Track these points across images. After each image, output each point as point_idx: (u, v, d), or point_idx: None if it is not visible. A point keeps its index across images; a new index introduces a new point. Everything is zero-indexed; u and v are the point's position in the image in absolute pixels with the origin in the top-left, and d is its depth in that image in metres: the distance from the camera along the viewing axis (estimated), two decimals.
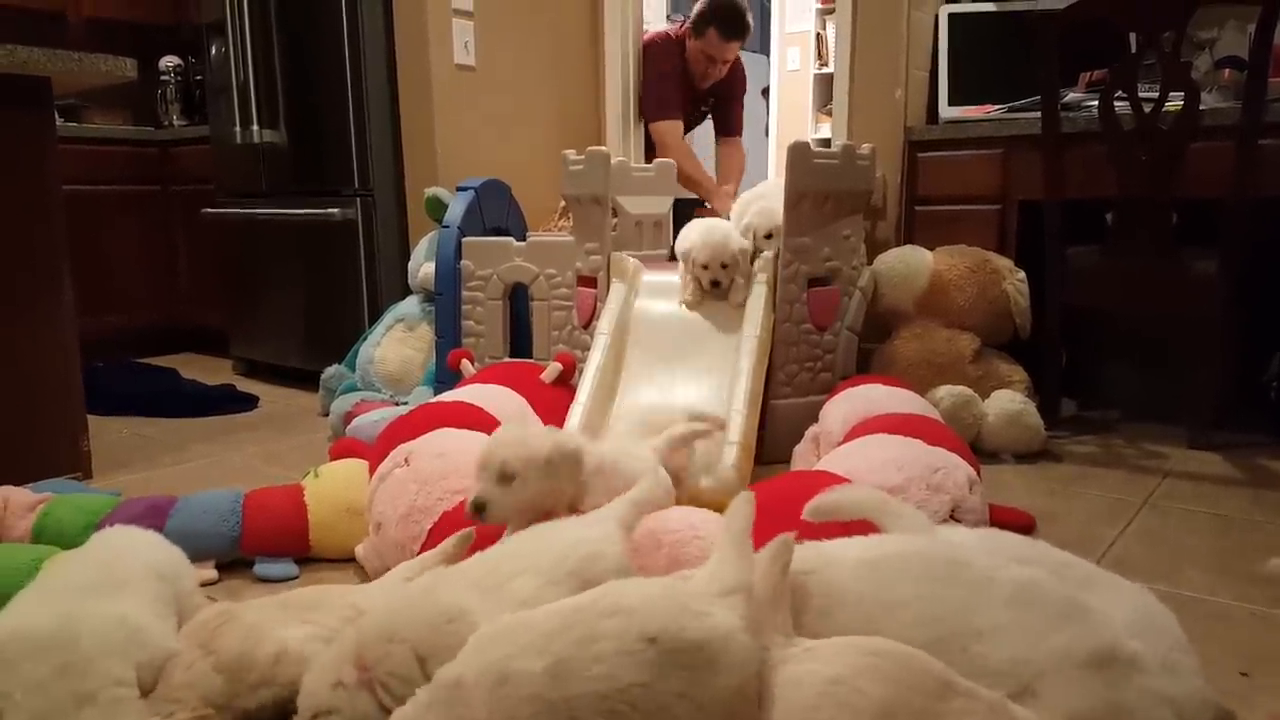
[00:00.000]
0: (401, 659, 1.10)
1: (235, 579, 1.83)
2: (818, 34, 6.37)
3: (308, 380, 3.49)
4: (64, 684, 1.10)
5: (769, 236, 2.59)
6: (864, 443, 1.92)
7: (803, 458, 2.30)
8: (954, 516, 1.72)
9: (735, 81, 4.07)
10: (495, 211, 3.13)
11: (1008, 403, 2.60)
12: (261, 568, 1.85)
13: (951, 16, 3.26)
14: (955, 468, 1.80)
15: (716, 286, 2.50)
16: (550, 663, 0.99)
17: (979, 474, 1.89)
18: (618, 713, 0.97)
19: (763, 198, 2.71)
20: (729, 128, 4.16)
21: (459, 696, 0.99)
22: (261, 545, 1.87)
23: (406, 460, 1.85)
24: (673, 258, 2.70)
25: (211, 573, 1.83)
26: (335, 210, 3.39)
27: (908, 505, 1.48)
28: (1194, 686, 1.12)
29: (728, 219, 2.77)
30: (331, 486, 1.94)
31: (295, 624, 1.24)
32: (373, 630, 1.16)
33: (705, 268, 2.49)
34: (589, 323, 2.66)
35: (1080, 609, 1.12)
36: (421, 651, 1.11)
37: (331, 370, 3.20)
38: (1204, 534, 2.03)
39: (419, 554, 1.58)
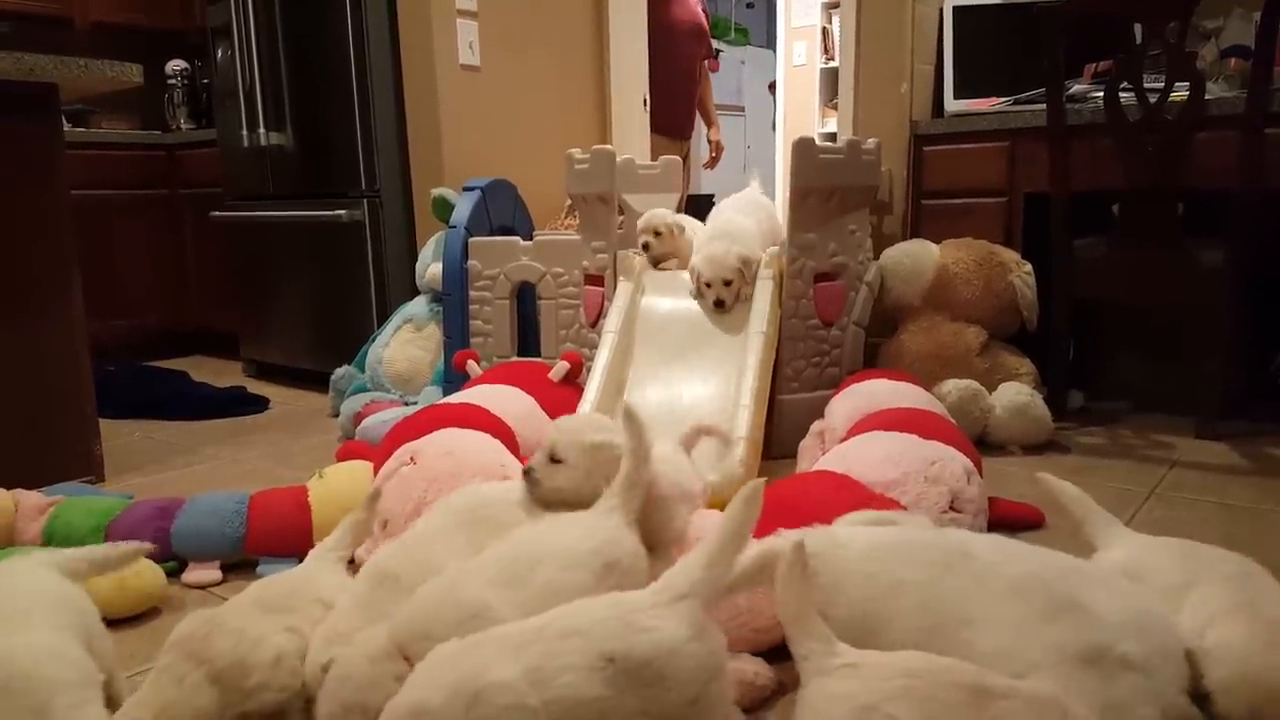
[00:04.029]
0: None
1: (241, 579, 1.84)
2: (824, 29, 6.37)
3: (318, 381, 3.51)
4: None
5: (728, 284, 2.48)
6: (862, 440, 1.92)
7: (808, 452, 2.30)
8: (953, 507, 1.73)
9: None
10: (502, 211, 3.14)
11: (1015, 395, 2.60)
12: (265, 568, 1.86)
13: (956, 10, 3.26)
14: (951, 459, 1.81)
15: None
16: (525, 669, 1.00)
17: (979, 465, 1.90)
18: None
19: (724, 236, 2.54)
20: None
21: None
22: (265, 546, 1.88)
23: (412, 459, 1.86)
24: None
25: (215, 574, 1.85)
26: (343, 212, 3.41)
27: (915, 516, 1.51)
28: (1168, 697, 1.09)
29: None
30: (335, 488, 1.95)
31: (277, 629, 1.24)
32: (410, 627, 1.17)
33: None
34: (596, 321, 2.67)
35: (1076, 604, 1.12)
36: None
37: (341, 371, 3.21)
38: (1211, 523, 2.03)
39: None
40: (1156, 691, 1.05)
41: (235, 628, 1.20)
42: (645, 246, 2.66)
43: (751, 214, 2.68)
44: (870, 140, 2.63)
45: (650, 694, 1.01)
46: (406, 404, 2.84)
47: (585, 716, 0.99)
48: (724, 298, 2.47)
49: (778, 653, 1.14)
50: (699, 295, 2.53)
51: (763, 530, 1.23)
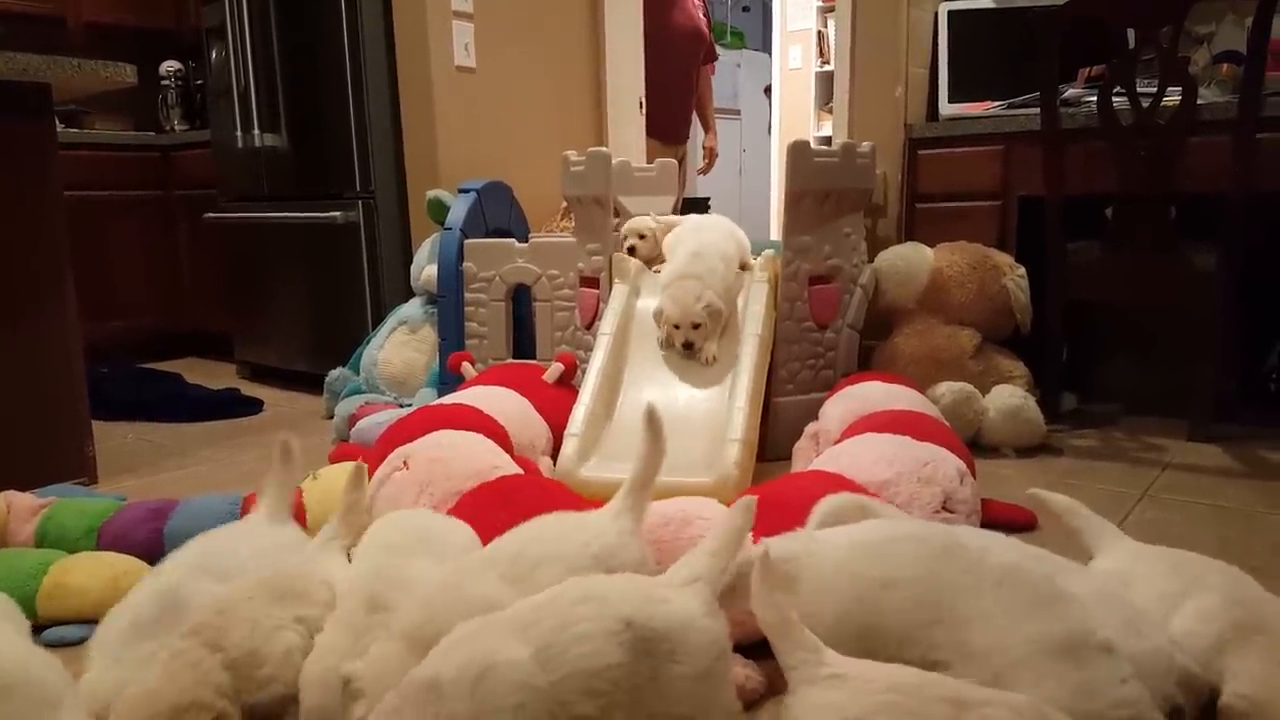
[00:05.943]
0: None
1: None
2: (819, 32, 6.38)
3: (312, 383, 3.50)
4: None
5: (696, 327, 2.38)
6: (856, 441, 1.94)
7: (803, 454, 2.31)
8: (946, 508, 1.74)
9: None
10: (497, 213, 3.14)
11: (1008, 398, 2.61)
12: None
13: (951, 13, 3.27)
14: (944, 460, 1.82)
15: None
16: (535, 649, 1.00)
17: (971, 467, 1.90)
18: (601, 692, 1.00)
19: (690, 276, 2.39)
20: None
21: (435, 695, 0.99)
22: None
23: (405, 464, 1.86)
24: None
25: None
26: (337, 213, 3.40)
27: (889, 506, 1.52)
28: (1158, 646, 1.12)
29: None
30: (330, 489, 1.94)
31: (287, 621, 1.25)
32: (419, 622, 1.18)
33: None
34: (591, 323, 2.67)
35: (1057, 593, 1.14)
36: None
37: (336, 373, 3.21)
38: (1203, 525, 2.04)
39: None
40: (1136, 673, 1.06)
41: (249, 618, 1.22)
42: (631, 250, 2.65)
43: (716, 243, 2.52)
44: (865, 144, 2.63)
45: (660, 666, 1.03)
46: (401, 406, 2.84)
47: (599, 688, 1.00)
48: (694, 340, 2.39)
49: (767, 653, 1.14)
50: (666, 340, 2.44)
51: (757, 525, 1.24)
